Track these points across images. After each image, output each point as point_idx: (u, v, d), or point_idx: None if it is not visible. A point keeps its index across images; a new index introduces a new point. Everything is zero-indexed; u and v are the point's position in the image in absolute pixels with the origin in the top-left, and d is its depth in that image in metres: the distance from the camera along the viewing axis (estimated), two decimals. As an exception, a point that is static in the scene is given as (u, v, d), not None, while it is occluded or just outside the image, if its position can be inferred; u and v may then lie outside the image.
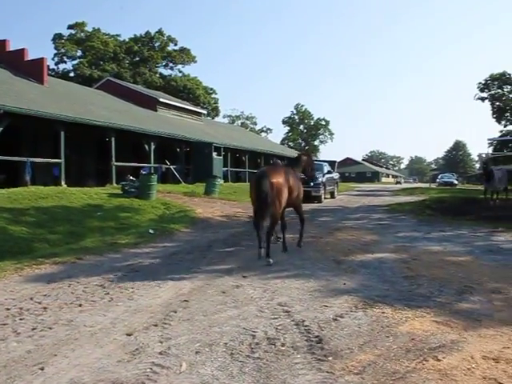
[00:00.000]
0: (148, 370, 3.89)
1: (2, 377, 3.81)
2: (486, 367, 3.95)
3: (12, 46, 27.26)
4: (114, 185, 21.14)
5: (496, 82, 49.80)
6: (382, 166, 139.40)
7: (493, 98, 50.12)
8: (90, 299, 6.00)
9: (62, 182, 19.39)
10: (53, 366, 4.00)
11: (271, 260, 8.15)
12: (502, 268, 8.02)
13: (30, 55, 26.88)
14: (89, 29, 63.99)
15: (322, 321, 5.10)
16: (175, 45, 68.72)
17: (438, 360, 4.08)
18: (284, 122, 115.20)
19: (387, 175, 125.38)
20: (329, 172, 26.33)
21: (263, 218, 8.17)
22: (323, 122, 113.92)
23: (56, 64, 63.46)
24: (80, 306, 5.71)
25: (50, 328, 4.90)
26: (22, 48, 26.72)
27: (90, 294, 6.27)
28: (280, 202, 8.56)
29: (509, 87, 49.56)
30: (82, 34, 63.29)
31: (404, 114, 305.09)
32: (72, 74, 60.67)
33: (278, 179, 8.50)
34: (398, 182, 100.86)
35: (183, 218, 14.53)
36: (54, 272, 7.64)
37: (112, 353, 4.26)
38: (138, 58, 66.72)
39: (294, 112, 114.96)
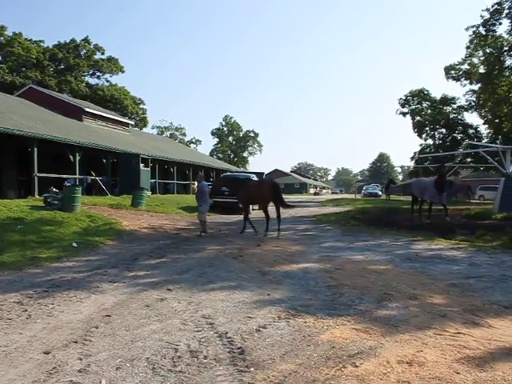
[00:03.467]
0: (66, 388, 3.78)
1: None
2: (400, 371, 4.13)
3: None
4: (37, 197, 20.31)
5: (416, 98, 52.24)
6: (309, 178, 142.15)
7: (413, 113, 52.46)
8: (5, 317, 5.74)
9: (-21, 194, 18.47)
10: (-39, 389, 3.81)
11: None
12: (419, 275, 8.42)
13: None
14: (9, 33, 61.44)
15: (245, 332, 5.15)
16: (102, 54, 67.26)
17: (356, 366, 4.23)
18: (213, 134, 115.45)
19: (315, 186, 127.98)
20: (257, 183, 26.52)
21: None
22: (252, 134, 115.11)
23: (-28, 69, 60.46)
24: (-5, 324, 5.46)
25: (-40, 349, 4.65)
26: None
27: (6, 311, 6.00)
28: None
29: (427, 103, 52.06)
30: (2, 39, 60.54)
31: (331, 127, 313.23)
32: (-9, 81, 57.96)
33: None
34: (316, 194, 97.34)
35: (108, 230, 14.20)
36: (-33, 289, 7.26)
37: (27, 373, 4.11)
38: (63, 66, 64.61)
39: (223, 124, 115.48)
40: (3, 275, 8.28)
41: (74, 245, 11.52)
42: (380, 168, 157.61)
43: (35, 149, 21.60)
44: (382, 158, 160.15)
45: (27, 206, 16.54)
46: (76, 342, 4.83)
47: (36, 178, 21.58)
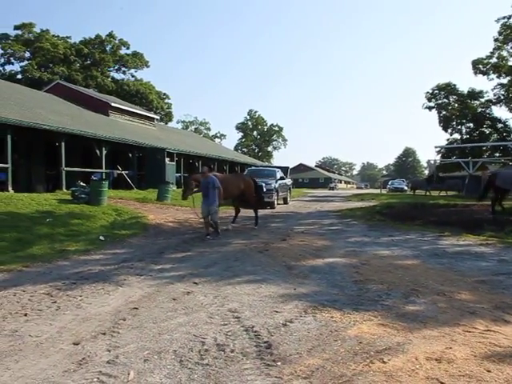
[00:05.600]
0: (95, 379, 3.83)
1: None
2: (429, 367, 4.08)
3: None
4: (64, 190, 20.63)
5: (442, 92, 51.31)
6: (334, 172, 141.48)
7: (439, 107, 51.56)
8: (36, 308, 5.84)
9: (9, 188, 18.80)
10: (-6, 378, 3.88)
11: None
12: (446, 271, 8.30)
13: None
14: (37, 30, 62.37)
15: (272, 326, 5.14)
16: (127, 48, 67.83)
17: (384, 362, 4.18)
18: (237, 128, 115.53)
19: (340, 181, 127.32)
20: (282, 178, 26.53)
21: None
22: (276, 128, 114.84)
23: (2, 65, 61.55)
24: (25, 315, 5.55)
25: (-7, 339, 4.75)
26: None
27: (36, 302, 6.11)
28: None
29: (454, 97, 51.10)
30: (31, 35, 61.49)
31: (357, 121, 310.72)
32: (20, 76, 58.87)
33: None
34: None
35: (135, 224, 14.34)
36: (-1, 280, 7.41)
37: (58, 363, 4.17)
38: (89, 61, 65.40)
39: (248, 118, 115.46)
40: (33, 267, 8.43)
41: (101, 238, 11.67)
42: (406, 163, 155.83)
43: (63, 143, 21.94)
44: (408, 153, 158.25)
45: (55, 199, 16.81)
46: (104, 334, 4.89)
47: (64, 173, 21.93)
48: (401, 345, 4.62)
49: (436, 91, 51.67)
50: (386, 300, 6.29)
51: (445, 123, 51.25)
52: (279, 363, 4.17)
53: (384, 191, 57.76)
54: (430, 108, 52.40)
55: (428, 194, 40.26)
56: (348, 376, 3.91)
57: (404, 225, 15.77)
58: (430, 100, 52.16)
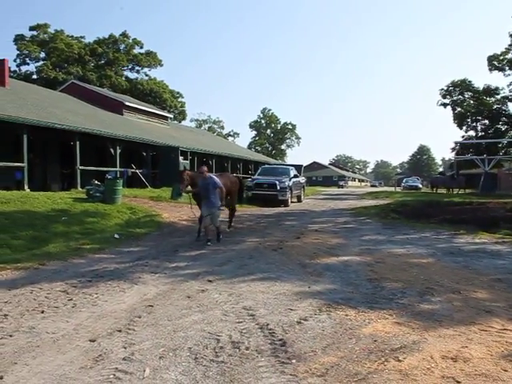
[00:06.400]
0: (111, 376, 3.86)
1: (-41, 386, 3.73)
2: (444, 366, 4.06)
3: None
4: (79, 189, 20.78)
5: (457, 89, 50.82)
6: (348, 170, 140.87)
7: (454, 104, 51.08)
8: (52, 305, 5.91)
9: (25, 187, 18.97)
10: (13, 374, 3.93)
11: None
12: (462, 269, 8.24)
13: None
14: (51, 30, 62.85)
15: (287, 324, 5.15)
16: (141, 48, 68.08)
17: (399, 361, 4.17)
18: (251, 127, 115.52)
19: (353, 179, 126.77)
20: (295, 176, 26.51)
21: None
22: (290, 127, 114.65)
23: (18, 66, 62.01)
24: (42, 312, 5.62)
25: (11, 336, 4.80)
26: (-18, 49, 26.13)
27: (52, 300, 6.17)
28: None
29: (469, 94, 50.59)
30: (45, 36, 61.99)
31: (370, 119, 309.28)
32: (35, 76, 59.34)
33: None
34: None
35: (149, 222, 14.42)
36: (16, 278, 7.48)
37: (74, 359, 4.22)
38: (103, 61, 65.79)
39: (261, 116, 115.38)
40: (49, 265, 8.51)
41: (116, 236, 11.75)
42: (420, 160, 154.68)
43: (77, 142, 22.09)
44: (422, 151, 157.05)
45: (70, 198, 16.94)
46: (120, 331, 4.93)
47: (79, 171, 22.08)
48: (416, 343, 4.60)
49: (451, 88, 51.20)
50: (400, 298, 6.27)
51: (460, 120, 50.77)
52: (294, 361, 4.18)
53: (398, 189, 57.35)
54: (444, 105, 51.96)
55: (452, 192, 39.64)
56: (363, 374, 3.91)
57: (419, 223, 15.69)
58: (444, 97, 51.72)
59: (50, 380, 3.80)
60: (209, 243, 10.96)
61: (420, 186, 60.73)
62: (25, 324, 5.17)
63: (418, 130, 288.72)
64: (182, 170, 12.53)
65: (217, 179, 11.51)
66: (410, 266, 8.42)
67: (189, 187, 12.01)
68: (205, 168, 11.77)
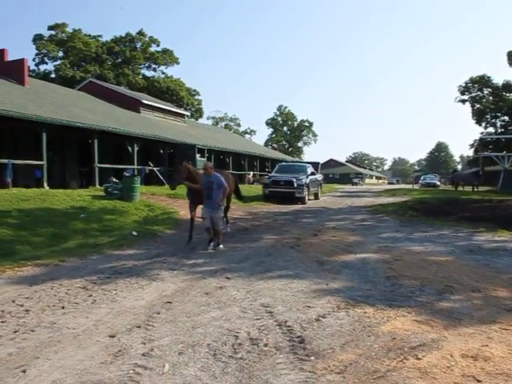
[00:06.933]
0: (131, 371, 3.89)
1: (-17, 379, 3.79)
2: (464, 365, 4.02)
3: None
4: (97, 187, 20.98)
5: (476, 85, 50.24)
6: (365, 168, 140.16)
7: (473, 101, 50.50)
8: (72, 301, 5.98)
9: (45, 184, 19.19)
10: (35, 368, 3.98)
11: None
12: (481, 267, 8.16)
13: (10, 56, 26.59)
14: (69, 30, 63.42)
15: (305, 321, 5.14)
16: (157, 46, 68.35)
17: (419, 358, 4.15)
18: (267, 124, 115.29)
19: (371, 176, 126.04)
20: (312, 173, 26.43)
21: None
22: (307, 124, 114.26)
23: (37, 65, 62.66)
24: (63, 308, 5.69)
25: (33, 330, 4.87)
26: (1, 49, 26.40)
27: (72, 296, 6.25)
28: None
29: (489, 90, 49.99)
30: (63, 35, 62.55)
31: (387, 116, 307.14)
32: (53, 75, 59.91)
33: None
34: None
35: (167, 219, 14.50)
36: (37, 274, 7.59)
37: (95, 354, 4.26)
38: (120, 59, 66.18)
39: (277, 113, 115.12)
40: (69, 261, 8.61)
41: (134, 233, 11.83)
42: (438, 157, 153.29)
43: (95, 140, 22.28)
44: (440, 148, 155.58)
45: (89, 195, 17.11)
46: (139, 327, 4.97)
47: (97, 169, 22.28)
48: (435, 341, 4.56)
49: (469, 84, 50.65)
50: (419, 296, 6.23)
51: (478, 117, 50.21)
52: (312, 358, 4.18)
53: (416, 186, 56.89)
54: (463, 101, 51.44)
55: (475, 189, 39.00)
56: (382, 372, 3.89)
57: (437, 220, 15.56)
58: (463, 93, 51.20)
59: (72, 374, 3.85)
60: (211, 244, 10.12)
61: (438, 183, 60.19)
62: (46, 319, 5.24)
63: (436, 126, 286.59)
64: (180, 161, 11.36)
65: (222, 178, 10.38)
66: (429, 264, 8.36)
67: (185, 181, 10.85)
68: (209, 164, 10.71)
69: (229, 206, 13.36)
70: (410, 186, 59.43)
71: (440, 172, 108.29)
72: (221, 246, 10.13)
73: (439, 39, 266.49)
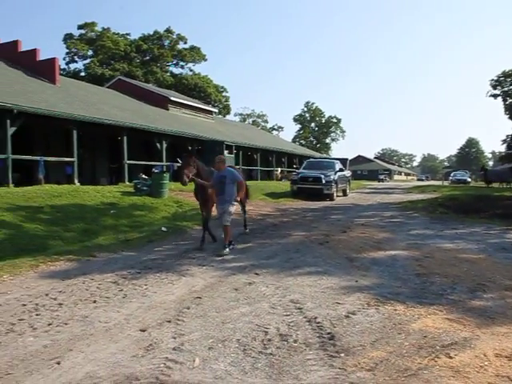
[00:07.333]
0: (162, 365, 3.94)
1: (20, 370, 3.88)
2: (498, 365, 3.95)
3: (24, 47, 27.43)
4: (127, 183, 21.25)
5: (509, 79, 49.15)
6: (394, 164, 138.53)
7: (505, 95, 49.45)
8: (104, 296, 6.07)
9: (76, 181, 19.53)
10: (69, 360, 4.07)
11: None
12: (515, 266, 7.98)
13: (42, 55, 27.07)
14: (98, 28, 64.37)
15: (334, 318, 5.12)
16: (185, 43, 68.80)
17: (451, 357, 4.08)
18: (295, 120, 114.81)
19: (399, 173, 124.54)
20: (340, 170, 26.28)
21: None
22: (334, 120, 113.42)
23: (67, 64, 63.83)
24: (94, 302, 5.79)
25: (66, 323, 4.98)
26: (34, 48, 26.88)
27: (104, 290, 6.35)
28: None
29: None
30: (93, 34, 63.54)
31: (417, 111, 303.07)
32: (83, 74, 60.88)
33: None
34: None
35: (195, 215, 14.56)
36: (69, 269, 7.74)
37: (126, 348, 4.32)
38: (148, 57, 66.85)
39: (305, 110, 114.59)
40: (100, 257, 8.75)
41: (164, 229, 11.94)
42: (469, 154, 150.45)
43: (125, 137, 22.54)
44: (471, 144, 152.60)
45: (118, 191, 17.34)
46: (169, 322, 5.02)
47: (126, 166, 22.55)
48: (468, 340, 4.49)
49: (502, 78, 49.60)
50: (450, 294, 6.13)
51: (511, 111, 49.13)
52: (342, 354, 4.15)
53: (446, 183, 56.02)
54: (494, 96, 50.42)
55: (507, 185, 37.99)
56: (413, 370, 3.85)
57: (468, 217, 15.30)
58: (495, 87, 50.18)
59: (104, 367, 3.91)
60: (231, 247, 9.34)
61: (468, 179, 59.15)
62: (78, 313, 5.34)
63: (466, 122, 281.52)
64: (188, 155, 10.37)
65: (236, 172, 9.65)
66: (460, 262, 8.22)
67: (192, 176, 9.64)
68: (222, 157, 9.79)
69: (245, 206, 12.21)
70: (439, 183, 58.63)
71: (471, 168, 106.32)
72: (226, 249, 9.11)
73: (472, 39, 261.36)
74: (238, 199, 9.43)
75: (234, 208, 9.58)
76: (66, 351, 4.25)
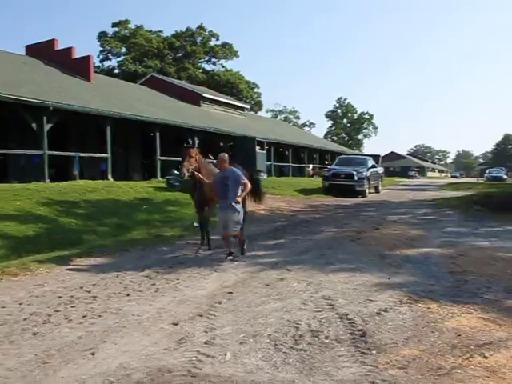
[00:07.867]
0: (194, 358, 3.98)
1: (56, 359, 3.99)
2: (536, 367, 3.85)
3: (59, 45, 27.98)
4: (159, 179, 21.48)
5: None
6: (427, 161, 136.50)
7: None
8: (137, 289, 6.17)
9: (109, 176, 19.84)
10: (103, 351, 4.15)
11: None
12: (553, 265, 7.77)
13: (77, 53, 27.58)
14: (132, 26, 65.08)
15: (366, 315, 5.09)
16: (217, 40, 69.02)
17: (486, 357, 4.01)
18: (327, 116, 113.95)
19: (433, 169, 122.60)
20: (373, 166, 26.04)
21: None
22: (367, 116, 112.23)
23: (101, 61, 64.79)
24: (128, 295, 5.89)
25: (100, 316, 5.08)
26: (69, 47, 27.41)
27: (137, 284, 6.45)
28: None
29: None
30: (126, 32, 64.34)
31: (451, 107, 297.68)
32: (117, 71, 61.76)
33: None
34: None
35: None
36: (103, 263, 7.89)
37: (159, 341, 4.39)
38: (180, 54, 67.33)
39: (337, 106, 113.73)
40: (133, 251, 8.89)
41: (195, 225, 11.98)
42: (505, 150, 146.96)
43: (157, 134, 22.78)
44: (508, 140, 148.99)
45: (151, 187, 17.55)
46: (201, 316, 5.06)
47: (158, 162, 22.79)
48: (504, 340, 4.40)
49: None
50: (485, 293, 6.01)
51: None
52: (374, 352, 4.12)
53: (481, 180, 54.90)
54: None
55: None
56: (446, 369, 3.79)
57: (504, 215, 14.95)
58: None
59: (137, 359, 3.98)
60: (230, 257, 8.20)
61: (505, 176, 57.77)
62: (112, 306, 5.44)
63: (503, 118, 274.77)
64: (189, 146, 9.71)
65: (240, 172, 8.40)
66: (496, 260, 8.05)
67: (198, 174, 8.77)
68: (225, 156, 8.42)
69: (246, 212, 9.69)
70: (474, 180, 57.43)
71: (507, 165, 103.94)
72: (229, 257, 8.19)
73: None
74: (239, 200, 8.08)
75: (241, 215, 8.34)
76: (100, 343, 4.34)
